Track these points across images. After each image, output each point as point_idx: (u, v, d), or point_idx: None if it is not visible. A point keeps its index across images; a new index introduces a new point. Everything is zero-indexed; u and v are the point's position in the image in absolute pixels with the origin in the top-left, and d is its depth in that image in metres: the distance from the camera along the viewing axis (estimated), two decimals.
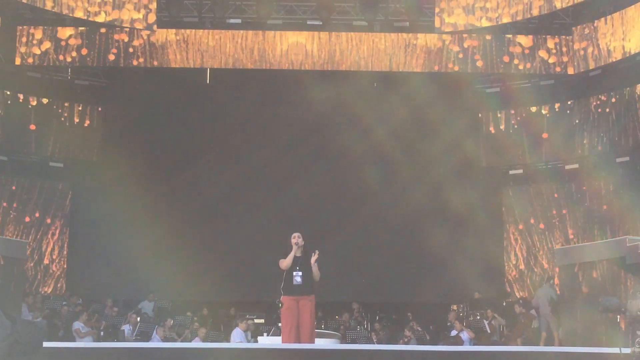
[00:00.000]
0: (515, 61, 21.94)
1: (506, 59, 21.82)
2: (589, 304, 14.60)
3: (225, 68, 22.21)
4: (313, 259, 11.52)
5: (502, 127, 23.60)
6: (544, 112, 23.10)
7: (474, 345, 16.45)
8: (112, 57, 21.88)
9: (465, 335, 16.92)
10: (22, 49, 21.74)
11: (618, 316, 12.01)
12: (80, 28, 21.72)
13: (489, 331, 17.84)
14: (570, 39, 21.67)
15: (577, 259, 15.84)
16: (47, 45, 21.65)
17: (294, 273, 11.46)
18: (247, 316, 19.18)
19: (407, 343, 17.24)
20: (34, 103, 22.76)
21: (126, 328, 17.52)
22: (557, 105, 22.86)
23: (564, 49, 21.82)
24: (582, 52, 21.44)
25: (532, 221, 23.19)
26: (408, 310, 20.73)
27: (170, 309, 20.36)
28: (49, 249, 22.87)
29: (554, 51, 21.79)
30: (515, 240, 23.39)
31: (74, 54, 21.78)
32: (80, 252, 23.04)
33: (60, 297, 20.83)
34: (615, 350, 9.55)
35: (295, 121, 23.17)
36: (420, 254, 22.43)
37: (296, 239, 11.57)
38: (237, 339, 17.00)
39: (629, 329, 11.04)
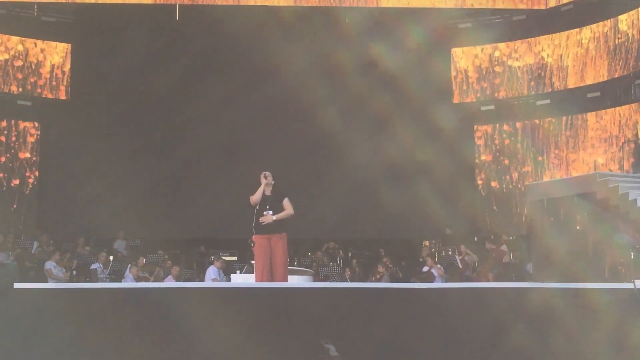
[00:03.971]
0: None
1: None
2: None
3: (194, 4, 21.99)
4: (272, 218, 11.45)
5: (475, 62, 23.58)
6: (515, 46, 23.10)
7: (444, 281, 16.56)
8: None
9: (435, 271, 17.02)
10: None
11: (632, 252, 12.06)
12: None
13: (460, 266, 17.96)
14: None
15: (547, 194, 15.90)
16: None
17: (265, 212, 11.41)
18: (220, 253, 19.20)
19: (379, 280, 17.33)
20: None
21: (97, 267, 17.47)
22: (529, 40, 22.84)
23: None
24: None
25: (504, 159, 23.30)
26: (380, 247, 20.83)
27: (141, 248, 20.35)
28: (18, 188, 22.72)
29: None
30: (487, 175, 23.50)
31: None
32: (51, 190, 22.90)
33: (31, 236, 20.70)
34: (629, 285, 9.42)
35: (269, 60, 22.82)
36: (393, 191, 22.43)
37: (266, 176, 11.51)
38: (212, 276, 17.02)
39: None
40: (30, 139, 23.01)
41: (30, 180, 22.93)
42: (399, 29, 22.63)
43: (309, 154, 22.68)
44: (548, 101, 22.49)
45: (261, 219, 11.39)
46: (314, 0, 22.23)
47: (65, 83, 23.33)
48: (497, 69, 23.31)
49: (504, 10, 22.86)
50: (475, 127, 23.78)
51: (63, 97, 23.33)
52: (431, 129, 22.72)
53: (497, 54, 23.32)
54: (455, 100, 23.76)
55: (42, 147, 23.18)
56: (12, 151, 22.71)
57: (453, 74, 23.77)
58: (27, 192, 22.84)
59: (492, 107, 23.48)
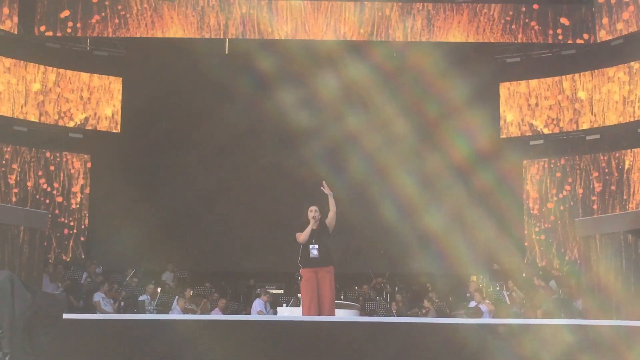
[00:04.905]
0: (536, 29, 21.80)
1: (527, 27, 21.69)
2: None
3: (244, 39, 22.18)
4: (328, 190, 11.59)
5: (522, 97, 23.47)
6: (564, 81, 22.94)
7: (492, 317, 16.41)
8: (131, 27, 21.87)
9: (484, 307, 16.89)
10: (41, 20, 21.78)
11: None
12: None
13: (508, 302, 17.81)
14: (593, 7, 21.51)
15: (597, 230, 15.71)
16: (65, 15, 21.66)
17: (311, 246, 11.42)
18: (267, 287, 19.26)
19: (426, 314, 17.23)
20: (54, 74, 22.85)
21: (145, 298, 17.59)
22: (578, 75, 22.68)
23: (586, 18, 21.66)
24: (604, 21, 21.26)
25: (553, 192, 23.10)
26: (427, 281, 20.72)
27: (189, 280, 20.45)
28: (69, 219, 22.99)
29: (576, 20, 21.65)
30: (536, 211, 23.30)
31: (92, 24, 21.79)
32: (100, 222, 23.10)
33: (81, 267, 20.92)
34: None
35: (319, 91, 22.94)
36: (440, 225, 22.34)
37: (313, 212, 11.55)
38: (258, 309, 17.07)
39: None
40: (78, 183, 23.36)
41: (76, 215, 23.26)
42: (446, 63, 22.61)
43: (358, 188, 22.60)
44: (598, 136, 22.27)
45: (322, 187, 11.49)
46: (364, 33, 22.24)
47: (116, 116, 23.61)
48: (545, 103, 23.17)
49: (553, 45, 22.74)
50: (524, 162, 23.61)
51: (114, 130, 23.61)
52: (479, 163, 22.62)
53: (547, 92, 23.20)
54: (503, 134, 23.63)
55: (92, 179, 23.45)
56: (66, 185, 23.07)
57: (501, 108, 23.65)
58: (77, 223, 23.14)
59: (541, 141, 23.29)
